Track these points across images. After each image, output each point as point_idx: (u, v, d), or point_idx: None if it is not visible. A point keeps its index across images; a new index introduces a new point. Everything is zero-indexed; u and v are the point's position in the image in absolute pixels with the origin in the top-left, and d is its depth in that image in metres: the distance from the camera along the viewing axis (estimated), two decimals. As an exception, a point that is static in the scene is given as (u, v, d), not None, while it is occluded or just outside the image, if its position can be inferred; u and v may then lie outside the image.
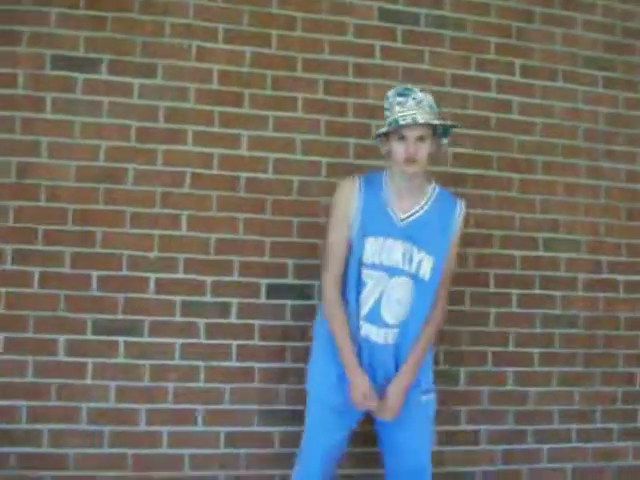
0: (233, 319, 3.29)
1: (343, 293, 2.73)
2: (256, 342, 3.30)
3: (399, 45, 3.54)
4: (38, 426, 3.11)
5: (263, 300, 3.31)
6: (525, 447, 3.54)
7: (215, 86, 3.33)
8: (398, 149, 2.62)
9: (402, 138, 2.61)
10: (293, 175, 3.36)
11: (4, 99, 3.14)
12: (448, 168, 3.53)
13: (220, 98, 3.33)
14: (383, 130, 2.65)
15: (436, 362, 3.40)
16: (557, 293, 3.62)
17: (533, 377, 3.57)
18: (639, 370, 3.70)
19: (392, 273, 2.70)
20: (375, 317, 2.72)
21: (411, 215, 2.72)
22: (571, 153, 3.69)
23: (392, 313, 2.72)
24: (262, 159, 3.35)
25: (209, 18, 3.34)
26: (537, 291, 3.60)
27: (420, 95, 2.64)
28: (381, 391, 2.72)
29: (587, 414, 3.62)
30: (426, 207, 2.74)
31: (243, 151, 3.34)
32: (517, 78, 3.65)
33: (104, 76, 3.23)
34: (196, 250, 3.28)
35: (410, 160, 2.60)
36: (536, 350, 3.57)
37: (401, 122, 2.56)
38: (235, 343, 3.28)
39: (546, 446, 3.56)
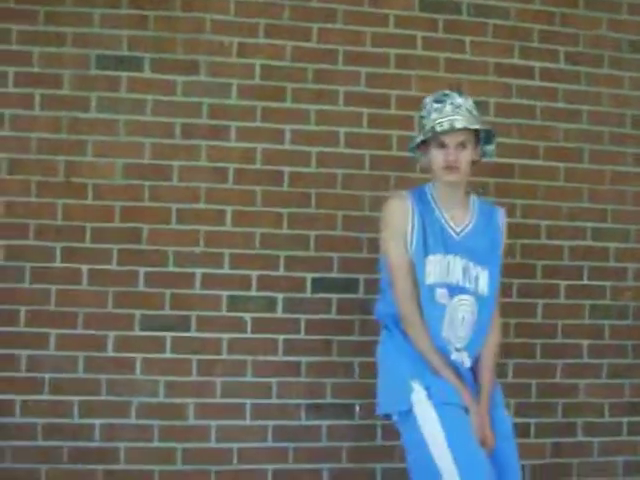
0: (279, 313, 3.30)
1: (427, 318, 2.54)
2: (302, 336, 3.30)
3: (440, 35, 3.50)
4: (89, 421, 3.16)
5: (308, 294, 3.31)
6: (575, 440, 3.49)
7: (257, 81, 3.34)
8: (438, 157, 2.51)
9: (442, 146, 2.50)
10: (337, 168, 3.36)
11: (51, 99, 3.18)
12: (494, 159, 3.49)
13: (262, 93, 3.34)
14: (420, 138, 2.54)
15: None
16: (606, 283, 3.57)
17: (582, 369, 3.52)
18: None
19: (455, 292, 2.55)
20: (443, 341, 2.53)
21: (464, 227, 2.60)
22: (618, 141, 3.63)
23: (460, 333, 2.55)
24: (305, 153, 3.35)
25: (249, 13, 3.34)
26: (585, 282, 3.55)
27: (459, 100, 2.53)
28: None
29: (638, 406, 3.56)
30: (475, 217, 2.63)
31: (286, 145, 3.35)
32: (562, 65, 3.60)
33: (147, 74, 3.26)
34: (241, 245, 3.29)
35: (450, 167, 2.49)
36: (585, 342, 3.53)
37: (438, 129, 2.46)
38: (281, 337, 3.29)
39: (596, 439, 3.51)
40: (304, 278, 3.32)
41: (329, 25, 3.41)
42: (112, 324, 3.18)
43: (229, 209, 3.29)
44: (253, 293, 3.29)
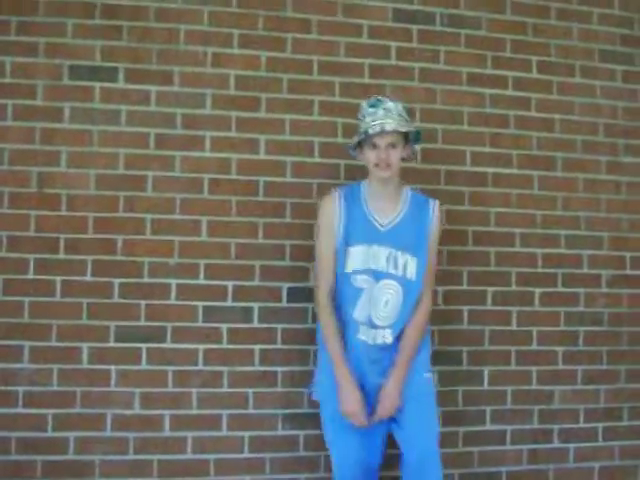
0: (255, 323, 3.29)
1: (336, 301, 2.89)
2: (278, 346, 3.30)
3: (414, 45, 3.53)
4: (64, 434, 3.13)
5: (284, 304, 3.31)
6: (551, 446, 3.51)
7: (232, 91, 3.34)
8: (371, 156, 2.82)
9: (374, 146, 2.81)
10: (312, 178, 3.36)
11: (24, 110, 3.16)
12: (468, 167, 3.52)
13: (237, 103, 3.34)
14: (356, 140, 2.86)
15: (459, 363, 3.44)
16: (580, 290, 3.59)
17: (557, 376, 3.54)
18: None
19: (379, 277, 2.86)
20: (367, 320, 2.86)
21: (392, 220, 2.89)
22: (591, 149, 3.66)
23: (382, 315, 2.86)
24: (280, 163, 3.36)
25: (224, 24, 3.35)
26: (560, 289, 3.58)
27: (390, 105, 2.83)
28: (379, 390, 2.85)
29: (613, 412, 3.59)
30: (404, 211, 2.91)
31: (261, 155, 3.35)
32: (534, 75, 3.63)
33: (121, 84, 3.25)
34: (217, 255, 3.28)
35: (382, 165, 2.80)
36: (560, 348, 3.55)
37: (370, 131, 2.77)
38: (257, 347, 3.28)
39: (572, 445, 3.53)
40: (280, 287, 3.32)
41: (303, 35, 3.42)
42: (86, 336, 3.16)
43: (204, 219, 3.28)
44: (229, 303, 3.28)
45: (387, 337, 2.87)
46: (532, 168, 3.60)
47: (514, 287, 3.54)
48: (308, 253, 3.28)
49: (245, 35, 3.36)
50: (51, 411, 3.12)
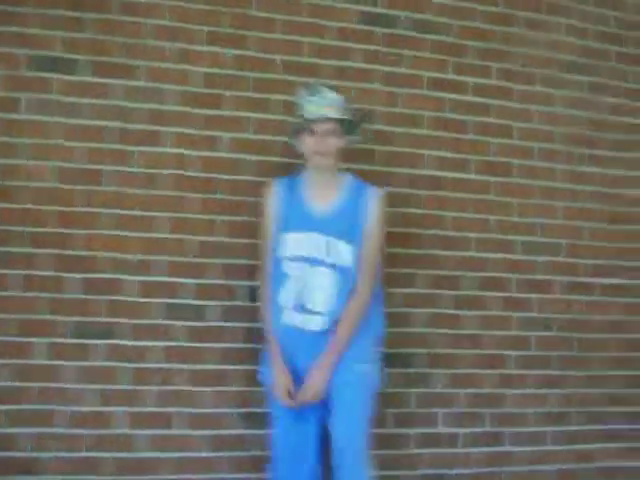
0: (214, 322, 3.28)
1: (274, 286, 2.95)
2: (238, 344, 3.29)
3: (379, 48, 3.55)
4: (17, 430, 3.08)
5: (244, 302, 3.30)
6: (502, 449, 3.58)
7: (196, 88, 3.32)
8: (309, 143, 2.89)
9: (312, 133, 2.87)
10: (272, 175, 3.35)
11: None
12: (427, 171, 3.56)
13: (201, 100, 3.32)
14: (295, 127, 2.94)
15: (412, 365, 3.48)
16: (533, 296, 3.67)
17: (509, 380, 3.61)
18: (613, 372, 3.76)
19: (313, 264, 2.90)
20: (302, 306, 2.89)
21: (328, 207, 2.94)
22: (548, 157, 3.74)
23: (317, 301, 2.89)
24: (242, 161, 3.35)
25: (190, 20, 3.32)
26: (514, 294, 3.65)
27: (329, 94, 2.91)
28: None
29: (563, 416, 3.67)
30: (342, 198, 2.96)
31: (223, 153, 3.34)
32: (494, 81, 3.69)
33: (83, 77, 3.20)
34: (176, 252, 3.26)
35: (319, 152, 2.87)
36: (512, 353, 3.62)
37: (309, 117, 2.86)
38: (216, 345, 3.27)
39: (522, 448, 3.60)
40: (241, 286, 3.30)
41: (268, 34, 3.42)
42: (44, 331, 3.11)
43: (166, 216, 3.26)
44: (189, 301, 3.26)
45: (321, 323, 2.88)
46: (489, 174, 3.66)
47: (468, 291, 3.60)
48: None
49: (211, 32, 3.34)
50: (4, 407, 3.07)
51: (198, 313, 3.27)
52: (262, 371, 3.05)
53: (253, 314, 3.26)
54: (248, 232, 3.28)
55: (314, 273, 2.89)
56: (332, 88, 2.96)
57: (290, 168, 3.27)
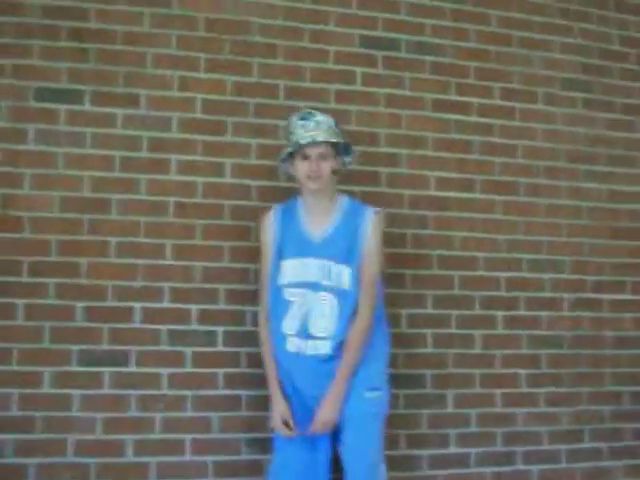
0: (220, 347, 3.28)
1: (274, 314, 2.94)
2: (243, 370, 3.29)
3: (380, 71, 3.57)
4: (25, 460, 3.08)
5: (249, 327, 3.30)
6: (515, 468, 3.54)
7: (198, 115, 3.35)
8: (302, 168, 2.87)
9: (305, 157, 2.86)
10: (277, 201, 3.36)
11: (-15, 131, 3.14)
12: (432, 192, 3.56)
13: (203, 127, 3.34)
14: (287, 151, 2.89)
15: (423, 386, 3.46)
16: (542, 313, 3.64)
17: (521, 398, 3.58)
18: (625, 389, 3.72)
19: (314, 289, 2.88)
20: (305, 332, 2.87)
21: (325, 231, 2.92)
22: (552, 175, 3.73)
23: (320, 326, 2.86)
24: (245, 187, 3.37)
25: (191, 48, 3.36)
26: (522, 312, 3.62)
27: (320, 118, 2.88)
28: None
29: (575, 434, 3.63)
30: (338, 221, 2.94)
31: (227, 179, 3.36)
32: (497, 101, 3.70)
33: (87, 107, 3.24)
34: (181, 279, 3.28)
35: (313, 177, 2.84)
36: (523, 371, 3.59)
37: (302, 142, 2.82)
38: (222, 371, 3.27)
39: (535, 467, 3.56)
40: (244, 311, 3.30)
41: (270, 60, 3.45)
42: (48, 360, 3.12)
43: (169, 243, 3.27)
44: (193, 327, 3.26)
45: (325, 349, 2.85)
46: (495, 193, 3.65)
47: (477, 310, 3.58)
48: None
49: (211, 59, 3.37)
50: (11, 437, 3.08)
51: (204, 339, 3.27)
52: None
53: (257, 339, 3.26)
54: (252, 257, 3.28)
55: (315, 298, 2.87)
56: (322, 111, 2.95)
57: (293, 193, 3.29)
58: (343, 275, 2.87)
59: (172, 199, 3.29)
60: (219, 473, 3.24)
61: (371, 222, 2.92)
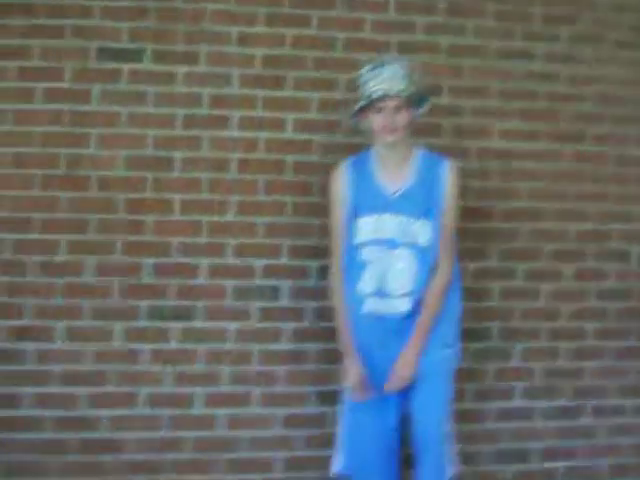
0: (284, 302, 3.31)
1: (348, 273, 2.86)
2: (308, 324, 3.32)
3: (441, 20, 3.46)
4: (98, 412, 3.19)
5: (313, 282, 3.32)
6: (580, 423, 3.52)
7: (258, 70, 3.33)
8: (376, 120, 2.75)
9: (379, 110, 2.74)
10: (339, 155, 3.35)
11: (52, 92, 3.17)
12: (496, 143, 3.49)
13: (263, 82, 3.32)
14: (360, 105, 2.77)
15: (489, 338, 3.44)
16: (611, 266, 3.57)
17: (587, 352, 3.53)
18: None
19: (391, 246, 2.80)
20: (383, 291, 2.81)
21: (402, 186, 2.82)
22: (621, 123, 3.61)
23: (399, 284, 2.80)
24: (307, 142, 3.35)
25: (249, 2, 3.33)
26: (590, 264, 3.56)
27: (393, 67, 2.76)
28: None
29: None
30: (414, 175, 2.83)
31: (288, 134, 3.35)
32: (564, 48, 3.58)
33: (148, 65, 3.25)
34: (245, 235, 3.30)
35: (389, 129, 2.73)
36: (590, 325, 3.54)
37: (374, 96, 2.71)
38: (287, 326, 3.31)
39: (601, 421, 3.53)
40: (308, 266, 3.32)
41: (329, 12, 3.39)
42: (118, 315, 3.20)
43: (232, 199, 3.29)
44: (258, 282, 3.30)
45: (403, 306, 2.81)
46: (561, 142, 3.56)
47: (543, 262, 3.52)
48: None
49: (270, 13, 3.33)
50: (85, 390, 3.17)
51: (268, 294, 3.30)
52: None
53: (324, 293, 3.29)
54: (315, 212, 3.29)
55: (392, 256, 2.80)
56: (397, 59, 2.86)
57: (356, 147, 3.26)
58: (421, 230, 2.80)
59: (234, 155, 3.30)
60: (287, 425, 3.30)
61: (449, 174, 2.84)
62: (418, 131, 3.15)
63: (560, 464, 3.51)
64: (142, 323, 3.22)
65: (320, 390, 3.32)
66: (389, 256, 2.80)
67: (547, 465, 3.50)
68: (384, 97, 2.71)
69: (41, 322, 3.16)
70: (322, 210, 3.22)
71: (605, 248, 3.57)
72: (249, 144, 3.31)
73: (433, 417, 2.84)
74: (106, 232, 3.20)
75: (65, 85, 3.19)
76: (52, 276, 3.17)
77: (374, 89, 2.73)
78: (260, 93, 3.32)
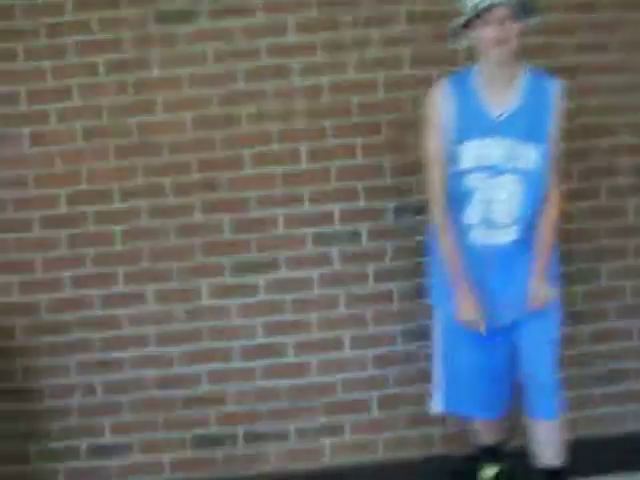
0: (364, 244, 3.32)
1: (451, 203, 2.70)
2: (390, 264, 3.33)
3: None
4: (197, 367, 3.31)
5: (391, 222, 3.32)
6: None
7: (314, 14, 3.26)
8: (485, 33, 2.52)
9: (486, 23, 2.50)
10: (405, 92, 3.27)
11: (113, 64, 3.20)
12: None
13: (321, 26, 3.26)
14: (464, 19, 2.53)
15: (578, 262, 3.37)
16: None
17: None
18: None
19: (497, 172, 2.62)
20: (484, 221, 2.67)
21: (508, 108, 2.62)
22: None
23: (506, 212, 2.65)
24: (371, 80, 3.29)
25: None
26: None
27: None
28: (510, 296, 2.72)
29: None
30: (521, 96, 2.62)
31: (351, 75, 3.29)
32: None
33: (206, 24, 3.24)
34: (319, 181, 3.30)
35: (499, 41, 2.50)
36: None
37: (481, 5, 2.47)
38: (369, 267, 3.33)
39: None
40: (384, 207, 3.31)
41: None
42: (203, 273, 3.28)
43: (302, 147, 3.28)
44: (337, 227, 3.31)
45: (513, 234, 2.67)
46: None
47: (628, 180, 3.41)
48: (408, 169, 3.25)
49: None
50: (178, 348, 3.29)
51: (348, 238, 3.32)
52: (433, 287, 2.92)
53: (401, 233, 3.29)
54: (385, 152, 3.28)
55: (499, 182, 2.62)
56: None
57: (422, 81, 3.15)
58: (530, 155, 2.60)
59: (300, 102, 3.27)
60: (378, 365, 3.35)
61: (559, 95, 2.64)
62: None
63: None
64: (228, 279, 3.30)
65: (406, 328, 3.35)
66: (495, 183, 2.63)
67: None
68: (491, 6, 2.47)
69: (132, 287, 3.27)
70: (391, 149, 3.26)
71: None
72: (313, 90, 3.27)
73: (545, 357, 2.74)
74: (184, 195, 3.26)
75: (126, 55, 3.21)
76: (135, 240, 3.26)
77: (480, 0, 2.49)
78: (317, 38, 3.27)
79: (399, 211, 3.30)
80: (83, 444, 3.32)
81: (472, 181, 2.65)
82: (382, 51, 3.29)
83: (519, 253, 2.70)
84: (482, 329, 2.70)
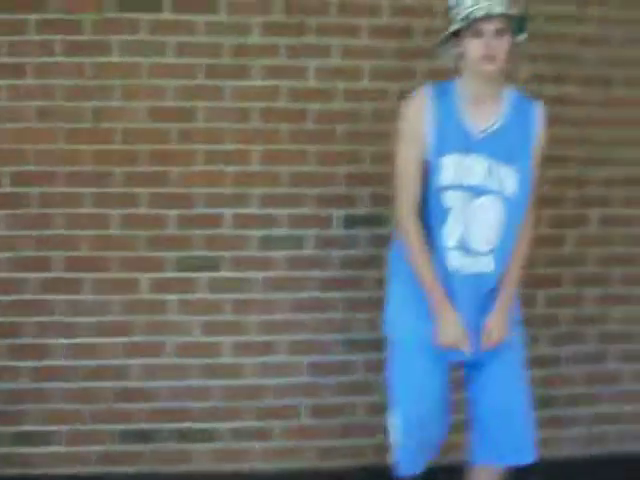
0: (309, 250, 3.32)
1: (426, 223, 2.48)
2: (335, 273, 3.33)
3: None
4: (127, 361, 3.25)
5: (340, 231, 3.32)
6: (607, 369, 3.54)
7: (278, 17, 3.26)
8: (474, 46, 2.33)
9: (477, 34, 2.33)
10: (363, 103, 3.31)
11: (71, 45, 3.14)
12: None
13: (284, 30, 3.27)
14: (456, 27, 2.35)
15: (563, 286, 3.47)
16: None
17: (614, 298, 3.54)
18: None
19: (477, 193, 2.43)
20: (465, 245, 2.45)
21: (491, 125, 2.44)
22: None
23: (483, 238, 2.46)
24: (330, 89, 3.30)
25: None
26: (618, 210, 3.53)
27: None
28: (476, 328, 2.51)
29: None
30: (506, 114, 2.46)
31: (310, 82, 3.30)
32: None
33: (168, 15, 3.21)
34: (269, 184, 3.29)
35: (489, 57, 2.32)
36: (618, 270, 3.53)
37: (476, 15, 2.29)
38: (313, 274, 3.33)
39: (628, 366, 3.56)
40: (333, 215, 3.32)
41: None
42: (145, 267, 3.24)
43: (255, 149, 3.27)
44: (284, 232, 3.31)
45: (488, 264, 2.47)
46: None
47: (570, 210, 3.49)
48: (361, 180, 3.28)
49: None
50: (114, 340, 3.23)
51: (294, 243, 3.31)
52: (387, 319, 2.65)
53: (348, 242, 3.30)
54: (339, 161, 3.29)
55: (477, 205, 2.44)
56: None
57: (379, 94, 3.19)
58: (509, 179, 2.43)
59: (257, 104, 3.26)
60: (313, 372, 3.34)
61: (542, 120, 2.50)
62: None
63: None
64: (170, 274, 3.26)
65: (346, 338, 3.35)
66: (472, 205, 2.44)
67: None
68: (487, 17, 2.30)
69: (70, 274, 3.21)
70: (345, 158, 3.25)
71: None
72: (271, 93, 3.27)
73: (517, 389, 2.56)
74: (131, 185, 3.21)
75: (84, 37, 3.15)
76: (78, 229, 3.20)
77: (473, 8, 2.31)
78: (281, 41, 3.27)
79: (349, 221, 3.32)
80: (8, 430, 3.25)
81: (450, 200, 2.44)
82: (342, 62, 3.30)
83: (494, 285, 2.52)
84: (467, 348, 2.49)
